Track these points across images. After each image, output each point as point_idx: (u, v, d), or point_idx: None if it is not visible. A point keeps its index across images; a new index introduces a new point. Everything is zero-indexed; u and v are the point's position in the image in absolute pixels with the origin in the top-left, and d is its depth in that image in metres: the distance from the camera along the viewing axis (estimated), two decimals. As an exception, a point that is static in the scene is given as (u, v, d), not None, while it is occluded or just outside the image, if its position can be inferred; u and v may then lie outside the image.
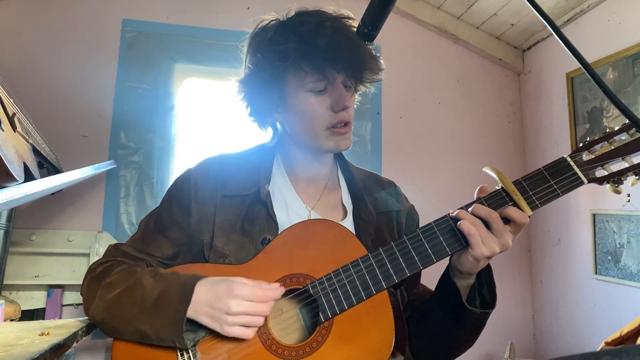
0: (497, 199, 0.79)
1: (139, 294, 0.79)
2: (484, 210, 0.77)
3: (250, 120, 0.98)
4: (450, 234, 0.79)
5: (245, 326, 0.74)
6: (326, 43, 0.82)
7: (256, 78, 0.90)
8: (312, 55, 0.83)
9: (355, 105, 1.02)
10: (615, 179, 0.77)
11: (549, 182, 0.78)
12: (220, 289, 0.75)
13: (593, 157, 0.79)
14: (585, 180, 0.78)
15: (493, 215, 0.76)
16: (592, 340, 2.20)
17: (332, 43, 0.83)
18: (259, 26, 0.92)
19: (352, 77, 0.88)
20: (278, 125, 0.99)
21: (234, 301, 0.73)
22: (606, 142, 0.78)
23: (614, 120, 2.12)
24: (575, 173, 0.78)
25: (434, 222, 0.81)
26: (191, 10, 2.44)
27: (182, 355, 0.77)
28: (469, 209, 0.78)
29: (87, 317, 0.98)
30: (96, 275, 0.86)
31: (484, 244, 0.76)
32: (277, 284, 0.78)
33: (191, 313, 0.75)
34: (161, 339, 0.76)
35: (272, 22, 0.91)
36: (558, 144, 2.47)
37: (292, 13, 0.91)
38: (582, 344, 2.27)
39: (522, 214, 0.76)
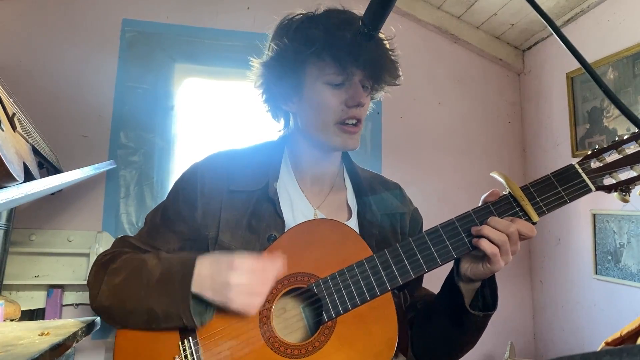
0: (504, 204, 0.79)
1: (144, 275, 0.81)
2: (502, 224, 0.76)
3: (264, 108, 0.99)
4: (456, 238, 0.79)
5: (250, 296, 0.76)
6: (351, 38, 0.83)
7: (278, 62, 0.90)
8: (336, 46, 0.84)
9: (368, 111, 1.03)
10: (623, 187, 0.77)
11: (557, 189, 0.78)
12: (222, 263, 0.77)
13: (601, 165, 0.78)
14: (593, 188, 0.77)
15: (512, 229, 0.75)
16: (592, 340, 2.20)
17: (357, 39, 0.83)
18: (288, 16, 0.93)
19: (371, 77, 0.89)
20: (290, 117, 0.99)
21: (235, 272, 0.75)
22: (615, 151, 0.78)
23: (614, 120, 2.12)
24: (584, 180, 0.77)
25: (440, 225, 0.80)
26: (191, 10, 2.44)
27: (184, 350, 0.78)
28: (489, 222, 0.77)
29: (87, 318, 0.98)
30: (102, 264, 0.87)
31: (503, 259, 0.76)
32: (278, 257, 0.79)
33: (196, 288, 0.77)
34: (169, 316, 0.77)
35: (301, 14, 0.92)
36: (558, 144, 2.47)
37: (321, 10, 0.92)
38: (582, 344, 2.27)
39: (531, 227, 0.76)
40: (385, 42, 0.90)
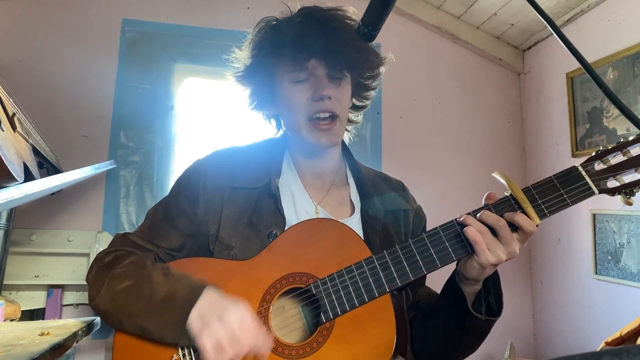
0: (505, 206, 0.78)
1: (147, 289, 0.78)
2: (492, 218, 0.76)
3: (256, 114, 1.02)
4: (456, 240, 0.78)
5: (219, 348, 0.71)
6: (295, 31, 0.85)
7: (244, 72, 0.95)
8: (282, 43, 0.86)
9: (360, 102, 1.02)
10: (627, 190, 0.75)
11: (559, 191, 0.77)
12: (227, 300, 0.75)
13: (605, 167, 0.76)
14: (596, 191, 0.76)
15: (500, 223, 0.75)
16: (592, 340, 2.20)
17: (302, 31, 0.85)
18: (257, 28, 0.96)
19: (333, 66, 0.88)
20: (280, 118, 1.01)
21: (234, 311, 0.72)
22: (619, 153, 0.76)
23: (614, 120, 2.12)
24: (587, 183, 0.76)
25: (440, 226, 0.80)
26: (191, 10, 2.44)
27: (182, 349, 0.77)
28: (477, 215, 0.77)
29: (87, 318, 0.97)
30: (105, 265, 0.85)
31: (490, 252, 0.75)
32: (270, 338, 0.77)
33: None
34: (163, 338, 0.76)
35: (261, 23, 0.95)
36: (558, 144, 2.47)
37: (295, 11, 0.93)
38: (582, 344, 2.27)
39: (531, 222, 0.75)
40: (348, 26, 0.89)
